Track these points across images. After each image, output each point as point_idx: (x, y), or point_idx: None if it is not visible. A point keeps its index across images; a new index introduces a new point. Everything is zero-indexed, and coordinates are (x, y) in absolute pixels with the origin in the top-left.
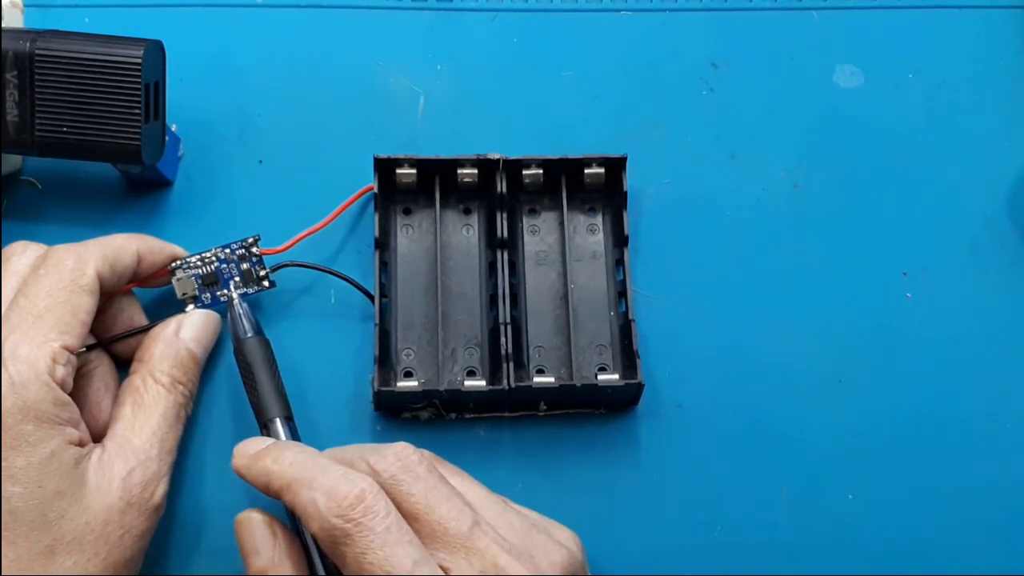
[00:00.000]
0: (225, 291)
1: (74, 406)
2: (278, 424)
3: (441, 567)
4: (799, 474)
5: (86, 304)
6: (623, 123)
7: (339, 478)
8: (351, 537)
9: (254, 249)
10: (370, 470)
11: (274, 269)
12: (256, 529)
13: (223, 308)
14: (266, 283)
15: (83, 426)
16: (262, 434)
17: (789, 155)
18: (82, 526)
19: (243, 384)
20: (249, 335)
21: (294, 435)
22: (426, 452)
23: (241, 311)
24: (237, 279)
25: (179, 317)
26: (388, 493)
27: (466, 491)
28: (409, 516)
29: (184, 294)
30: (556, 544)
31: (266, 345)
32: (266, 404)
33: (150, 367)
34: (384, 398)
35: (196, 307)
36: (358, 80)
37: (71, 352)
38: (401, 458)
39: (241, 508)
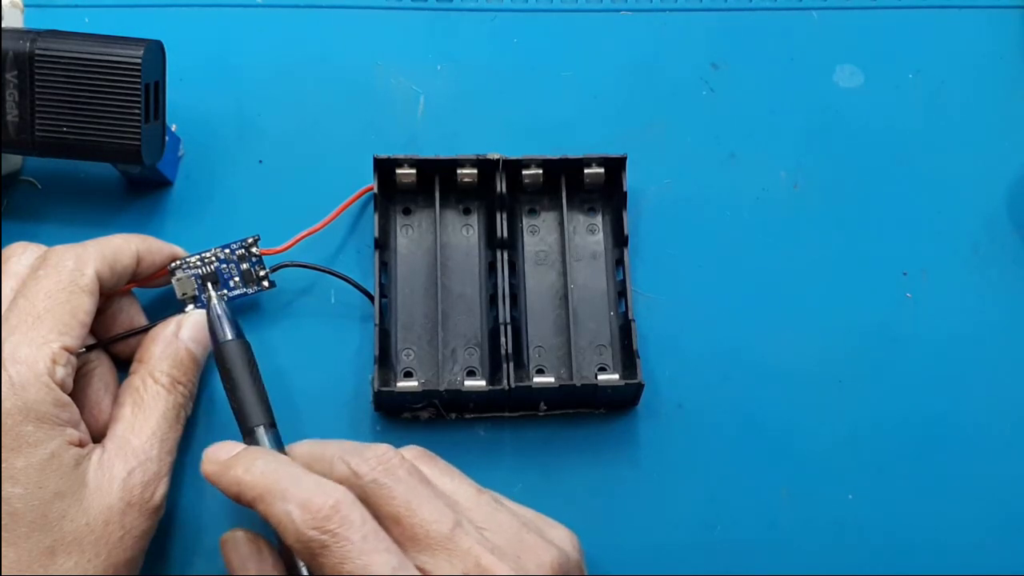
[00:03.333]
0: (210, 292)
1: (74, 407)
2: (261, 432)
3: (422, 569)
4: (799, 474)
5: (85, 305)
6: (623, 123)
7: (313, 489)
8: (328, 548)
9: (254, 249)
10: (351, 472)
11: (274, 269)
12: (241, 547)
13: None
14: (266, 283)
15: (83, 427)
16: (245, 441)
17: (789, 155)
18: (82, 527)
19: (224, 389)
20: (229, 338)
21: (277, 443)
22: (416, 448)
23: (220, 312)
24: (237, 278)
25: (179, 317)
26: (369, 496)
27: (455, 491)
28: (390, 519)
29: (184, 294)
30: (546, 544)
31: (247, 349)
32: (248, 411)
33: (150, 367)
34: (384, 398)
35: (196, 307)
36: (358, 80)
37: (71, 353)
38: (383, 461)
39: (240, 508)
